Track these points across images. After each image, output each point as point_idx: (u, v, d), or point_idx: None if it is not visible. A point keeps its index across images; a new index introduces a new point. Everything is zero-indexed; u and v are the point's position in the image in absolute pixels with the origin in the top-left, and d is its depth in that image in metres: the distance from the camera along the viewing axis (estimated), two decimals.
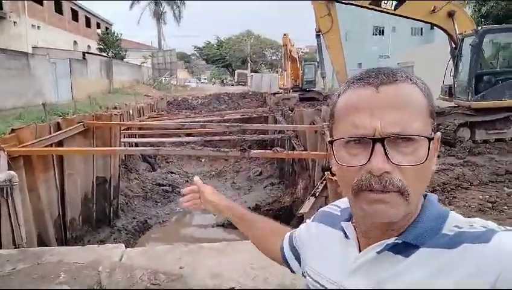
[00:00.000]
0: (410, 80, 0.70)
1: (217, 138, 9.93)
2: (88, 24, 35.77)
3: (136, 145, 9.90)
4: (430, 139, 0.68)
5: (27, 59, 15.12)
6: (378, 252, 0.71)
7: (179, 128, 10.03)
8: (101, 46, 30.53)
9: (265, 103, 17.78)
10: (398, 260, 0.70)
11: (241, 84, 45.35)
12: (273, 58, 66.33)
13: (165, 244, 7.09)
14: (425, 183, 0.71)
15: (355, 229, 0.80)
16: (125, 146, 8.59)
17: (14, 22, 22.91)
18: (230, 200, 1.34)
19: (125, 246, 3.29)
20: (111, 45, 30.67)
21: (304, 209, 4.11)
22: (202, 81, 54.11)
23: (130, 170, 10.33)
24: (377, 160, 0.65)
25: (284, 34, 19.54)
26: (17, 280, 2.83)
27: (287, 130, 9.42)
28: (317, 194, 4.25)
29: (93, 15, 37.14)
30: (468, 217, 0.74)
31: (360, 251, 0.76)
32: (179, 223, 8.87)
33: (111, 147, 7.55)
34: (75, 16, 32.31)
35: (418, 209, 0.72)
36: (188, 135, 11.08)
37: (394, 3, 9.41)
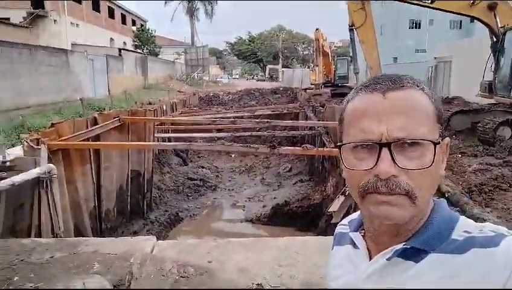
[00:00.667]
0: (417, 86, 0.72)
1: (247, 133, 9.98)
2: (124, 21, 36.79)
3: (169, 140, 10.12)
4: (435, 144, 0.69)
5: (66, 56, 15.78)
6: (388, 259, 0.72)
7: (209, 124, 10.16)
8: (136, 43, 31.37)
9: (296, 98, 17.65)
10: (408, 265, 0.70)
11: (273, 80, 45.25)
12: (305, 53, 65.66)
13: (195, 238, 7.24)
14: (433, 188, 0.72)
15: (364, 238, 0.81)
16: (158, 141, 8.80)
17: (55, 20, 23.91)
18: None
19: (157, 238, 3.37)
20: (146, 42, 31.45)
21: (334, 207, 4.06)
22: (234, 76, 54.41)
23: (163, 164, 10.57)
24: (383, 164, 0.67)
25: (316, 29, 19.25)
26: (54, 268, 2.98)
27: (318, 127, 9.32)
28: (347, 193, 4.18)
29: (129, 12, 38.15)
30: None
31: (370, 259, 0.77)
32: (209, 217, 9.01)
33: (145, 141, 7.76)
34: (111, 13, 33.31)
35: (427, 214, 0.73)
36: (219, 130, 11.19)
37: None
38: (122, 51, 22.38)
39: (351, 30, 10.29)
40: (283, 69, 47.60)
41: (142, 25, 39.36)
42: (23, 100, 12.03)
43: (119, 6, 35.15)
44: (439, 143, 0.70)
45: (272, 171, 11.73)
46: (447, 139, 0.75)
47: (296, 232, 7.71)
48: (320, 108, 10.65)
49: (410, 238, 0.72)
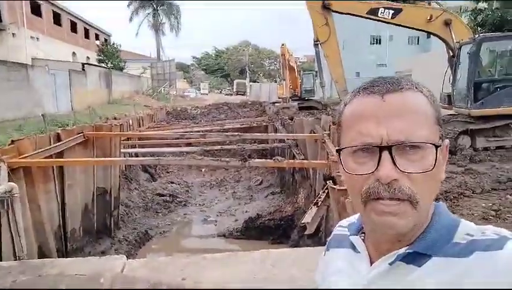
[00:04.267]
0: (416, 88, 0.71)
1: (217, 147, 9.92)
2: (87, 35, 35.98)
3: (136, 155, 9.89)
4: (437, 147, 0.68)
5: (26, 71, 15.18)
6: (390, 264, 0.71)
7: (178, 138, 10.03)
8: (100, 57, 30.68)
9: (265, 112, 17.83)
10: (411, 270, 0.69)
11: (240, 94, 45.51)
12: (271, 68, 66.72)
13: (167, 255, 7.06)
14: (435, 192, 0.71)
15: (364, 242, 0.80)
16: (125, 156, 8.56)
17: (13, 34, 23.02)
18: None
19: (127, 257, 3.26)
20: (110, 56, 30.83)
21: (307, 219, 4.09)
22: (201, 91, 54.23)
23: (131, 181, 10.29)
24: (384, 168, 0.66)
25: (282, 44, 19.67)
26: None
27: (287, 139, 9.42)
28: (319, 203, 4.22)
29: (92, 26, 37.37)
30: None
31: (371, 263, 0.76)
32: (180, 234, 8.81)
33: (111, 157, 7.52)
34: (73, 27, 32.50)
35: (429, 219, 0.72)
36: (188, 144, 11.07)
37: (391, 12, 9.51)
38: (85, 65, 21.80)
39: (316, 45, 10.55)
40: (250, 83, 48.07)
41: (106, 39, 38.64)
42: None
43: (82, 20, 34.38)
44: (440, 146, 0.69)
45: (243, 185, 11.70)
46: (447, 141, 0.74)
47: (269, 245, 7.68)
48: (289, 121, 10.79)
49: (413, 242, 0.71)
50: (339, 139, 0.76)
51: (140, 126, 12.92)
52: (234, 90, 51.89)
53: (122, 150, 8.74)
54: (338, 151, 0.74)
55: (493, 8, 12.84)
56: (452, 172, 5.77)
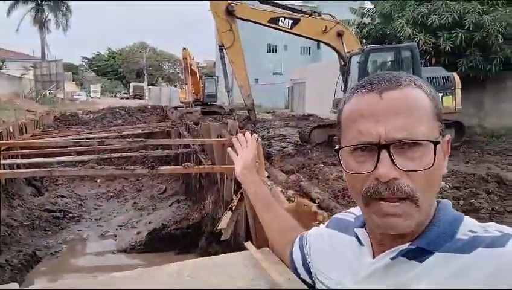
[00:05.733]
0: (415, 83, 0.71)
1: (116, 155, 9.24)
2: None
3: (18, 167, 8.68)
4: (436, 143, 0.68)
5: None
6: (392, 258, 0.72)
7: (70, 146, 9.07)
8: None
9: (167, 117, 17.27)
10: (412, 265, 0.70)
11: (138, 98, 43.54)
12: (171, 71, 65.27)
13: (61, 279, 6.29)
14: (436, 188, 0.72)
15: (368, 235, 0.81)
16: (5, 169, 7.43)
17: None
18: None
19: (19, 285, 2.76)
20: None
21: (222, 224, 4.02)
22: (93, 94, 50.30)
23: (12, 196, 8.96)
24: (383, 167, 0.66)
25: (184, 48, 19.40)
26: None
27: (193, 145, 9.22)
28: (233, 208, 4.19)
29: None
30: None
31: (374, 257, 0.77)
32: (74, 253, 7.93)
33: None
34: None
35: (431, 215, 0.73)
36: (80, 153, 10.09)
37: (290, 22, 10.07)
38: None
39: (221, 50, 10.62)
40: (149, 87, 46.32)
41: None
42: None
43: None
44: (439, 142, 0.68)
45: (145, 194, 11.07)
46: (448, 136, 0.74)
47: (176, 256, 7.38)
48: (194, 126, 10.61)
49: (415, 238, 0.71)
50: (339, 138, 0.77)
51: (22, 134, 11.39)
52: (131, 94, 49.50)
53: (2, 162, 7.56)
54: (337, 150, 0.75)
55: (376, 23, 14.56)
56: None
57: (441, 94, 9.32)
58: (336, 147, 0.75)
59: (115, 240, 8.38)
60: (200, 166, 6.13)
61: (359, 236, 0.81)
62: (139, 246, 7.91)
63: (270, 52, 46.98)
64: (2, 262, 6.44)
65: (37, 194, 10.36)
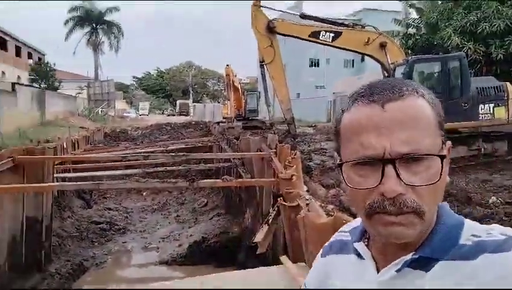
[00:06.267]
0: (417, 92, 0.68)
1: (161, 169, 9.52)
2: (18, 54, 33.75)
3: (70, 180, 9.18)
4: (442, 158, 0.66)
5: None
6: (397, 271, 0.69)
7: (118, 161, 9.48)
8: (33, 77, 28.90)
9: (210, 132, 17.65)
10: (419, 275, 0.68)
11: (183, 114, 44.98)
12: (215, 88, 67.05)
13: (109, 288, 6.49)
14: (440, 199, 0.70)
15: (368, 248, 0.78)
16: (57, 181, 7.89)
17: None
18: None
19: None
20: (44, 76, 29.13)
21: (258, 237, 3.98)
22: (141, 112, 52.62)
23: (64, 209, 9.47)
24: (389, 182, 0.64)
25: (227, 65, 19.87)
26: None
27: (233, 159, 9.30)
28: (270, 221, 4.14)
29: (25, 44, 35.17)
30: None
31: (377, 269, 0.74)
32: (118, 264, 8.19)
33: (44, 183, 6.85)
34: (3, 45, 30.34)
35: (433, 222, 0.71)
36: (128, 167, 10.50)
37: (331, 35, 10.01)
38: (16, 85, 20.30)
39: (261, 66, 10.75)
40: (194, 103, 47.79)
41: (40, 58, 36.56)
42: None
43: (13, 38, 32.19)
44: (445, 156, 0.66)
45: (187, 208, 11.28)
46: (449, 143, 0.71)
47: (215, 269, 7.40)
48: (235, 140, 10.73)
49: (419, 247, 0.69)
50: (338, 150, 0.74)
51: (75, 149, 12.08)
52: (177, 111, 51.24)
53: (55, 175, 8.04)
54: (339, 165, 0.71)
55: (421, 33, 14.11)
56: None
57: (492, 105, 8.78)
58: (338, 162, 0.72)
59: (158, 252, 8.57)
60: (240, 179, 6.14)
61: (359, 250, 0.78)
62: (180, 258, 8.03)
63: (312, 66, 46.90)
64: (51, 271, 6.79)
65: (86, 207, 10.87)
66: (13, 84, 20.43)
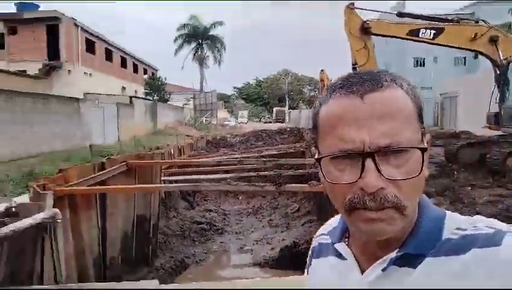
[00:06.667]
0: (395, 83, 0.66)
1: (254, 173, 9.92)
2: (136, 70, 38.25)
3: (176, 182, 10.10)
4: (423, 150, 0.64)
5: (78, 104, 16.26)
6: (383, 270, 0.67)
7: (216, 165, 10.14)
8: (147, 91, 32.38)
9: (303, 138, 17.73)
10: (406, 272, 0.66)
11: (279, 121, 45.82)
12: (311, 94, 66.89)
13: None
14: (421, 192, 0.68)
15: (348, 247, 0.76)
16: (164, 183, 8.77)
17: (69, 71, 24.92)
18: None
19: (159, 282, 3.25)
20: (156, 89, 32.46)
21: None
22: (240, 120, 55.15)
23: (169, 209, 10.48)
24: (369, 176, 0.61)
25: (321, 70, 19.73)
26: None
27: None
28: None
29: (141, 62, 39.72)
30: None
31: (361, 268, 0.72)
32: (216, 263, 8.75)
33: (152, 184, 7.72)
34: (123, 63, 34.71)
35: (415, 217, 0.69)
36: (225, 171, 11.17)
37: (433, 32, 9.28)
38: (133, 98, 23.07)
39: (354, 68, 10.45)
40: (289, 110, 48.35)
41: (153, 73, 40.83)
42: (35, 148, 12.28)
43: (132, 56, 36.66)
44: (426, 149, 0.64)
45: (280, 212, 11.53)
46: (428, 136, 0.69)
47: (303, 274, 7.41)
48: None
49: (403, 244, 0.67)
50: (316, 144, 0.71)
51: (181, 155, 13.27)
52: (273, 118, 52.36)
53: (162, 178, 8.98)
54: (318, 160, 0.68)
55: None
56: (500, 195, 5.35)
57: None
58: (316, 157, 0.69)
59: (251, 254, 8.94)
60: None
61: (340, 251, 0.76)
62: (272, 261, 8.26)
63: (417, 66, 43.71)
64: (157, 265, 7.57)
65: (189, 208, 11.83)
66: (131, 97, 23.26)
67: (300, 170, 10.34)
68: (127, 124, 20.00)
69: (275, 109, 55.68)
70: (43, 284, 4.29)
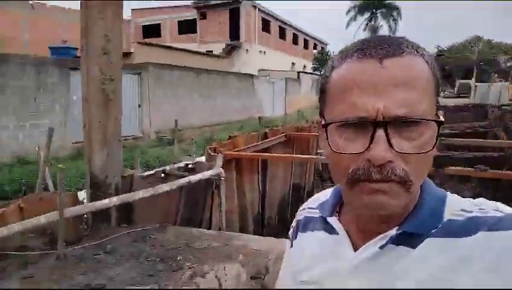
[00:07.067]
0: (417, 51, 0.60)
1: None
2: (306, 46, 39.40)
3: None
4: (440, 123, 0.58)
5: (252, 80, 18.02)
6: (381, 247, 0.62)
7: None
8: (315, 65, 33.10)
9: (486, 116, 15.25)
10: (405, 251, 0.61)
11: (463, 96, 40.12)
12: (509, 64, 55.83)
13: None
14: (428, 169, 0.62)
15: (340, 222, 0.71)
16: (321, 156, 9.08)
17: (247, 50, 27.57)
18: None
19: None
20: (324, 64, 32.90)
21: None
22: None
23: (325, 180, 10.79)
24: (379, 148, 0.55)
25: None
26: (209, 254, 3.55)
27: (508, 148, 7.89)
28: None
29: (311, 37, 40.62)
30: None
31: (353, 245, 0.67)
32: None
33: (308, 155, 8.16)
34: (295, 40, 36.20)
35: (418, 195, 0.64)
36: None
37: None
38: (300, 73, 24.06)
39: None
40: (476, 84, 41.68)
41: (322, 48, 41.27)
42: (216, 118, 14.37)
43: (303, 32, 37.87)
44: (442, 123, 0.58)
45: None
46: (440, 112, 0.62)
47: None
48: None
49: (404, 221, 0.62)
50: (322, 110, 0.66)
51: None
52: (456, 92, 46.19)
53: (318, 151, 9.30)
54: (325, 126, 0.62)
55: None
56: None
57: None
58: (323, 122, 0.63)
59: None
60: (500, 171, 5.28)
61: (333, 225, 0.71)
62: None
63: None
64: None
65: None
66: (298, 73, 24.27)
67: (477, 153, 9.09)
68: (293, 98, 21.13)
69: (458, 82, 48.89)
70: (210, 229, 5.19)
